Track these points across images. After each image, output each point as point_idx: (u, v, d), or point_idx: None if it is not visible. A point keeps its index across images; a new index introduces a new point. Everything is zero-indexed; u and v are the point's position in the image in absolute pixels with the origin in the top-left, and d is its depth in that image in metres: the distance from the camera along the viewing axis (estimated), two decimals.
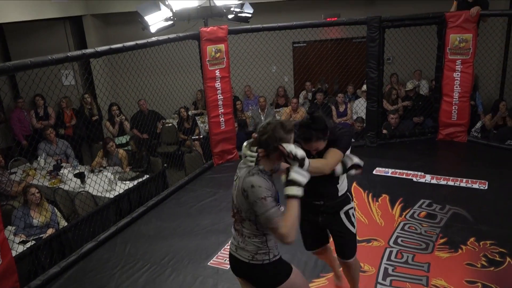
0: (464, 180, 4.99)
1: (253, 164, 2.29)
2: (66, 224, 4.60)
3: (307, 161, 2.26)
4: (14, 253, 3.55)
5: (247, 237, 2.30)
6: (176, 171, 6.27)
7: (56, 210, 4.77)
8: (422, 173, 5.21)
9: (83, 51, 4.18)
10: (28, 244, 4.13)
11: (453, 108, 6.03)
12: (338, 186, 2.71)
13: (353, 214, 2.82)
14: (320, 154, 2.58)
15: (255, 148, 2.30)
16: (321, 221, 2.81)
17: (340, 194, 2.74)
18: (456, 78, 5.90)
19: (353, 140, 6.51)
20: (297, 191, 2.19)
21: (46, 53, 3.72)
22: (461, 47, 5.78)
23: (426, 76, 7.88)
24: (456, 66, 5.86)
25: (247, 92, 8.42)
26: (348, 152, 2.67)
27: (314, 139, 2.49)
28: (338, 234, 2.83)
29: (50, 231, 4.46)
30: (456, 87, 5.92)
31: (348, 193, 2.80)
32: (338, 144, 2.57)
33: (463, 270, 3.48)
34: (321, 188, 2.66)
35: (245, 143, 2.34)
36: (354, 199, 4.66)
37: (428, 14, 5.91)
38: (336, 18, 7.22)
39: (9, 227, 4.36)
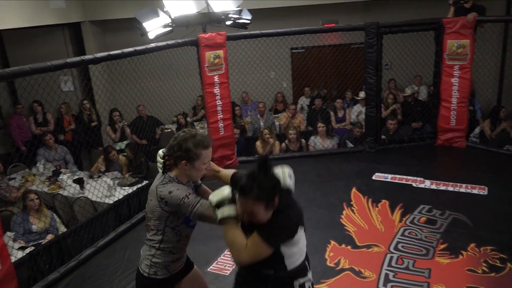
0: (464, 185, 4.99)
1: (160, 170, 2.19)
2: (65, 230, 4.58)
3: (221, 212, 2.00)
4: (13, 259, 3.55)
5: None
6: None
7: (55, 216, 4.75)
8: (422, 179, 5.21)
9: (82, 57, 4.19)
10: (27, 250, 4.11)
11: (452, 113, 6.04)
12: (285, 261, 2.08)
13: None
14: (251, 227, 2.01)
15: (164, 154, 2.18)
16: None
17: (289, 268, 2.10)
18: (454, 84, 5.92)
19: (352, 145, 6.52)
20: (228, 210, 1.98)
21: (44, 60, 3.72)
22: (458, 52, 5.80)
23: (424, 81, 7.91)
24: (454, 72, 5.88)
25: (245, 98, 8.43)
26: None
27: (252, 198, 1.88)
28: None
29: (49, 237, 4.45)
30: (454, 92, 5.94)
31: (304, 266, 2.16)
32: (267, 233, 1.94)
33: (464, 276, 3.48)
34: (266, 260, 2.04)
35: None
36: (354, 204, 4.75)
37: (425, 20, 5.94)
38: (334, 24, 7.25)
39: (8, 233, 4.35)
